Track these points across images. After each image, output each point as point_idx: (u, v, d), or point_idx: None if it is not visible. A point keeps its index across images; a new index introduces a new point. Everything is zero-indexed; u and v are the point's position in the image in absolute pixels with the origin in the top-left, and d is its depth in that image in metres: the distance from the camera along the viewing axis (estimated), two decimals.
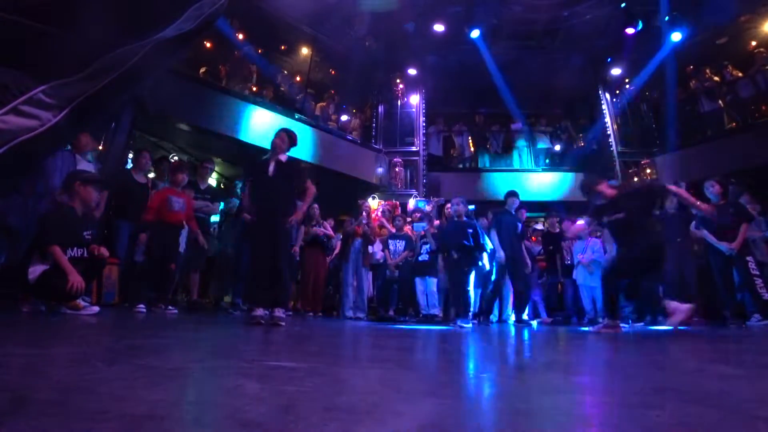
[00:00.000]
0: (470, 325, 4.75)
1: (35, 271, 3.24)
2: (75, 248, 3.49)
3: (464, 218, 5.30)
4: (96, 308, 3.52)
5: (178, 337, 2.35)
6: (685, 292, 5.02)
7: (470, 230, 5.13)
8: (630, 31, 8.61)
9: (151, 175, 5.57)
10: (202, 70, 7.93)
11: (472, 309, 5.23)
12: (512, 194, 6.11)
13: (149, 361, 1.38)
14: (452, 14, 8.97)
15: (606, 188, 4.23)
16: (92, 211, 4.00)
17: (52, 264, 3.28)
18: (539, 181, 10.13)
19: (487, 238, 5.65)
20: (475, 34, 9.15)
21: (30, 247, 3.42)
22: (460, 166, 10.86)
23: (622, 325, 4.24)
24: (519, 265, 5.78)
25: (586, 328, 4.73)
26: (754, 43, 8.81)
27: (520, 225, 5.97)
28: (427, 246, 6.21)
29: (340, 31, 9.18)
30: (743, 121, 8.36)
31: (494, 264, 5.86)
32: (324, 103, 9.72)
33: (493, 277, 5.91)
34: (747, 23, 8.59)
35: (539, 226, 8.23)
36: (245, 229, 5.32)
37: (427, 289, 6.10)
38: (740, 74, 8.75)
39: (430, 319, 5.92)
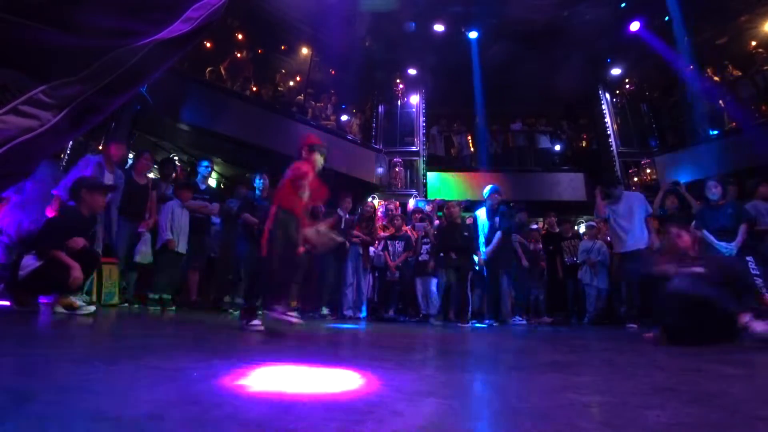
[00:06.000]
0: (469, 324, 4.77)
1: (27, 266, 3.19)
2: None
3: (459, 220, 5.37)
4: (92, 307, 3.50)
5: (178, 337, 2.35)
6: None
7: (466, 233, 5.22)
8: (635, 26, 8.61)
9: (151, 175, 5.55)
10: (208, 69, 7.92)
11: (470, 308, 5.26)
12: (493, 191, 5.79)
13: (149, 361, 1.38)
14: (452, 14, 8.97)
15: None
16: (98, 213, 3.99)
17: (45, 261, 3.22)
18: (539, 182, 10.12)
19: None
20: (473, 35, 9.13)
21: (27, 246, 3.40)
22: (460, 166, 10.86)
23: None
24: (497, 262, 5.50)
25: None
26: (754, 43, 8.81)
27: (497, 219, 5.62)
28: (428, 246, 6.20)
29: (340, 31, 9.18)
30: (743, 121, 8.35)
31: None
32: (322, 104, 9.72)
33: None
34: (747, 23, 8.59)
35: (534, 226, 8.17)
36: (245, 230, 5.34)
37: (427, 289, 6.09)
38: (740, 74, 8.75)
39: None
